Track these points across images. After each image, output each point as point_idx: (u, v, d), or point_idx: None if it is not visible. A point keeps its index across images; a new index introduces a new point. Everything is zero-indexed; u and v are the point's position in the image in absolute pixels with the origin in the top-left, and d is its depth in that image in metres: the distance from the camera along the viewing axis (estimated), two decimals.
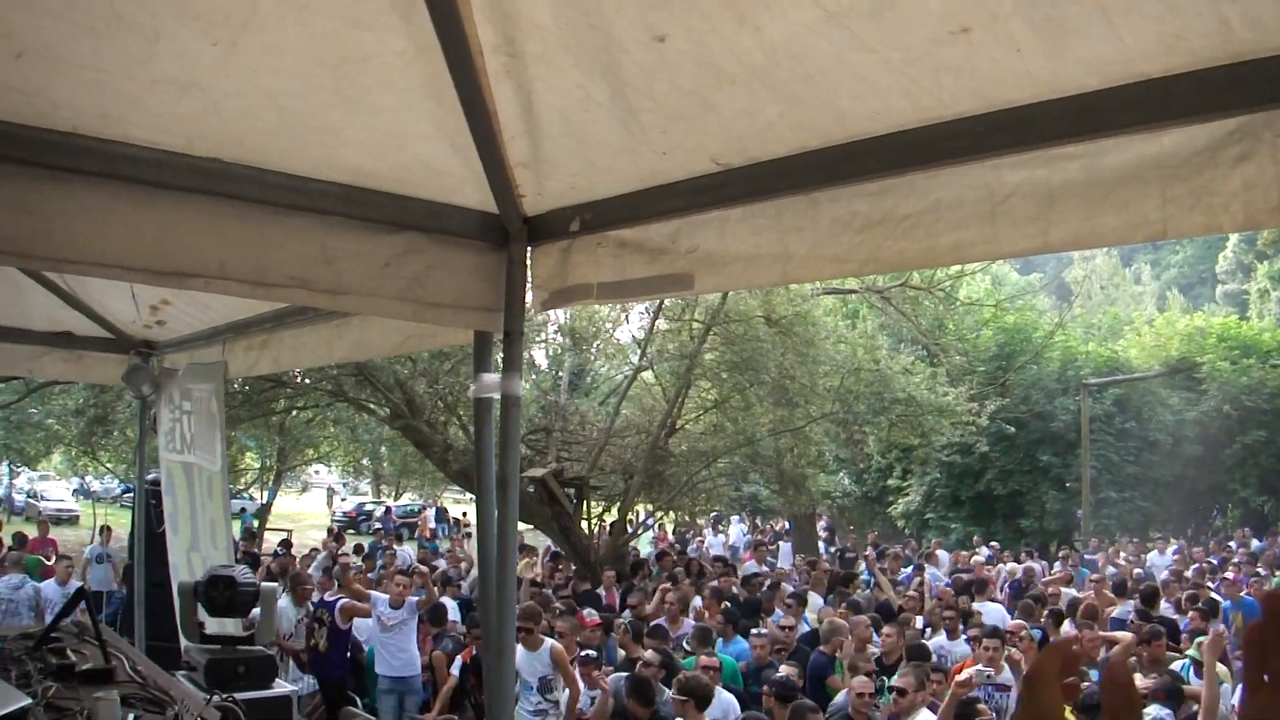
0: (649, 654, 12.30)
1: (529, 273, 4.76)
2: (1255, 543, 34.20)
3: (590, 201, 4.39)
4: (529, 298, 4.86)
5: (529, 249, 4.74)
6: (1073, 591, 20.74)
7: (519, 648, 11.69)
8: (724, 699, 11.12)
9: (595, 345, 29.01)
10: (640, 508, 27.69)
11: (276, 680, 6.80)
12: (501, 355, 5.00)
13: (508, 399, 4.79)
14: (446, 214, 4.62)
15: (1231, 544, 33.71)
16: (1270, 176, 2.93)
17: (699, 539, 37.42)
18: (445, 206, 4.61)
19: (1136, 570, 25.10)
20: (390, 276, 4.55)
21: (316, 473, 62.18)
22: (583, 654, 12.59)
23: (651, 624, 14.87)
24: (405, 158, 4.31)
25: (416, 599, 14.85)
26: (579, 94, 3.68)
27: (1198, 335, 48.44)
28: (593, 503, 25.61)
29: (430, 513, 52.26)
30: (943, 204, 3.39)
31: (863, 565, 23.74)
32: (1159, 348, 48.26)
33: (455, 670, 13.76)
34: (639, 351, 25.88)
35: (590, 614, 15.37)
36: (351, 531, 48.32)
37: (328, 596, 15.62)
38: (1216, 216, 2.99)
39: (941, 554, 28.45)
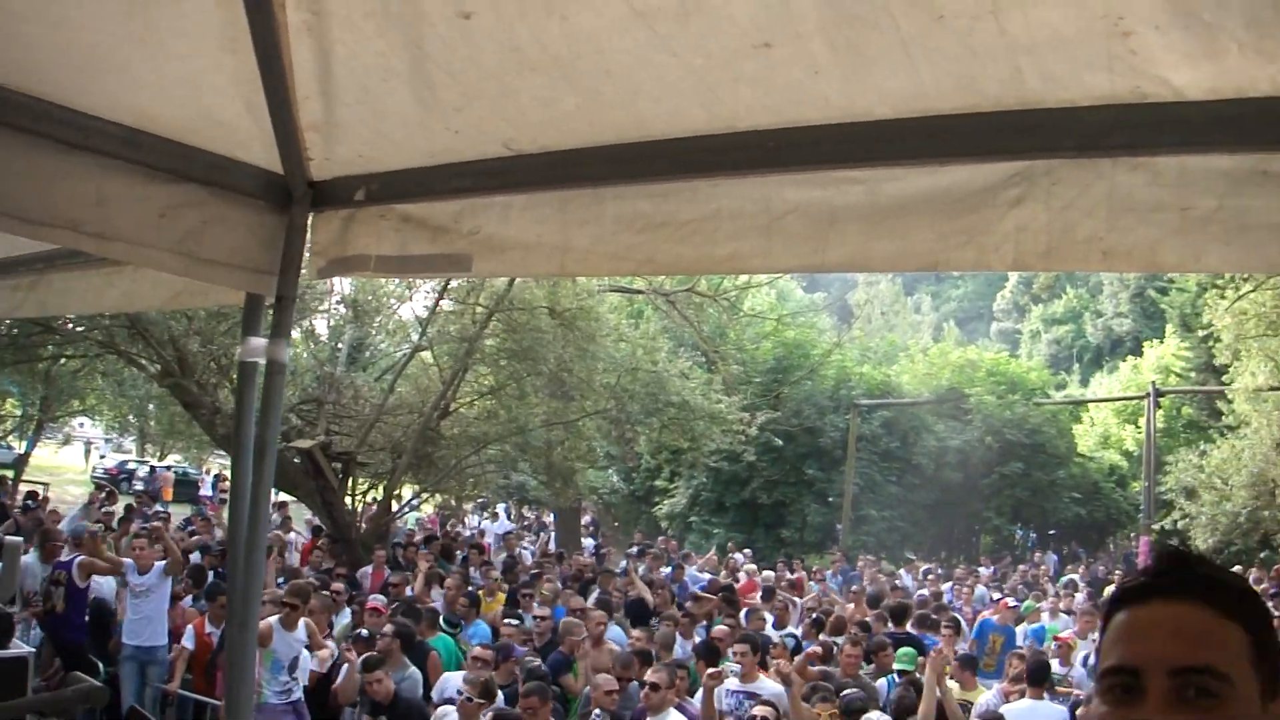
0: (387, 626, 12.26)
1: (309, 238, 4.65)
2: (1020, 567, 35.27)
3: (378, 173, 4.30)
4: (306, 264, 4.73)
5: (311, 214, 4.61)
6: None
7: (277, 626, 11.53)
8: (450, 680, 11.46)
9: (378, 320, 28.70)
10: (407, 489, 27.44)
11: (14, 641, 6.53)
12: (272, 320, 4.87)
13: (273, 365, 4.66)
14: (230, 169, 4.46)
15: (980, 569, 34.81)
16: (1042, 222, 3.04)
17: (459, 524, 37.31)
18: (230, 161, 4.44)
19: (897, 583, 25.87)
20: (165, 228, 4.39)
21: (80, 425, 60.33)
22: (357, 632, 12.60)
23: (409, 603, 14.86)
24: (195, 107, 4.16)
25: (163, 564, 14.33)
26: (379, 62, 3.61)
27: (968, 367, 50.15)
28: (359, 479, 25.31)
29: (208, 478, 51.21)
30: (723, 213, 3.44)
31: (623, 562, 23.97)
32: (930, 376, 49.76)
33: (188, 640, 13.40)
34: (420, 330, 25.60)
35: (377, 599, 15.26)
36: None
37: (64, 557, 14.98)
38: (987, 255, 3.09)
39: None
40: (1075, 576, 31.03)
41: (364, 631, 12.65)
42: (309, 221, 4.63)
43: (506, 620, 14.77)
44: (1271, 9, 2.70)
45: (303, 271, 4.73)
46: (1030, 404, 47.86)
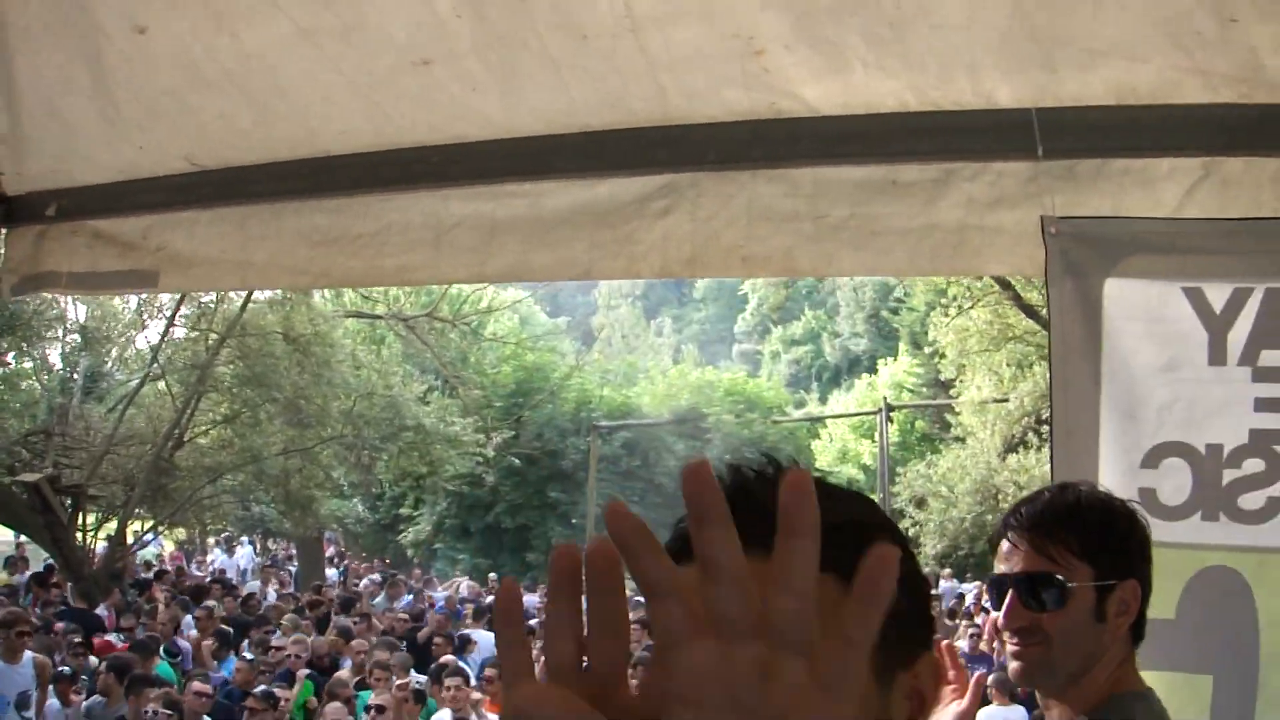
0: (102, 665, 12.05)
1: (1, 255, 4.62)
2: None
3: (69, 188, 4.28)
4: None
5: (4, 230, 4.55)
6: None
7: None
8: None
9: (114, 351, 27.90)
10: (143, 523, 26.69)
11: None
12: None
13: None
14: None
15: None
16: (686, 231, 3.26)
17: (200, 558, 36.42)
18: None
19: None
20: None
21: None
22: (58, 670, 12.19)
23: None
24: None
25: None
26: (60, 75, 3.63)
27: (707, 388, 50.72)
28: (90, 514, 24.51)
29: None
30: (393, 227, 3.56)
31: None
32: (670, 397, 50.20)
33: None
34: (152, 357, 24.97)
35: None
36: None
37: None
38: (636, 263, 3.30)
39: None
40: None
41: (65, 669, 12.35)
42: (2, 238, 4.59)
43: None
44: (889, 28, 2.95)
45: None
46: (768, 422, 48.73)
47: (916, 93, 3.14)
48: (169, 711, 10.20)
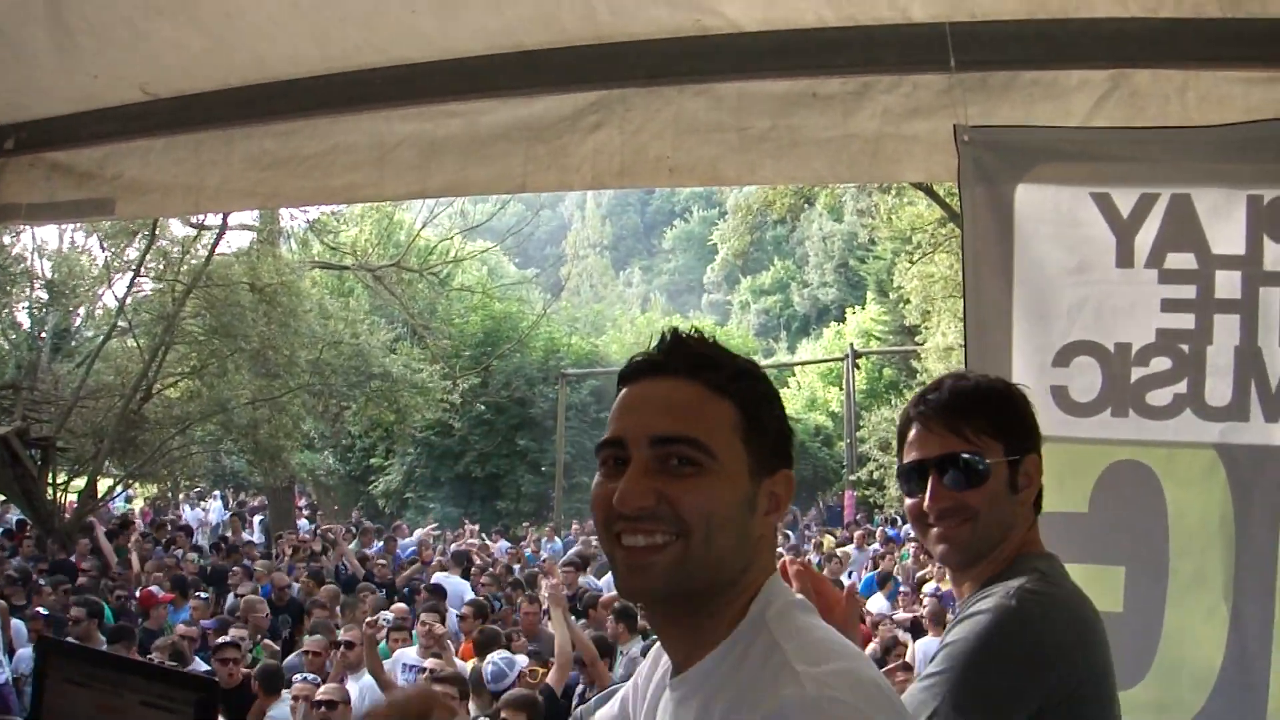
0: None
1: None
2: None
3: (26, 121, 4.39)
4: None
5: None
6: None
7: None
8: None
9: (83, 307, 27.85)
10: (114, 479, 26.69)
11: None
12: None
13: None
14: None
15: None
16: (616, 144, 3.40)
17: (177, 513, 36.41)
18: None
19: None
20: None
21: None
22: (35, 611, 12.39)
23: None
24: None
25: None
26: (14, 5, 3.69)
27: None
28: (59, 467, 24.52)
29: None
30: (339, 148, 3.69)
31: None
32: (638, 345, 49.52)
33: None
34: (118, 310, 24.93)
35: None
36: None
37: None
38: (569, 175, 3.45)
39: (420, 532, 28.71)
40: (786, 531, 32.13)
41: (42, 609, 12.51)
42: None
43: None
44: None
45: None
46: None
47: (835, 8, 3.27)
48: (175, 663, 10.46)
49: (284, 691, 9.93)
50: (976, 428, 2.62)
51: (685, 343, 1.94)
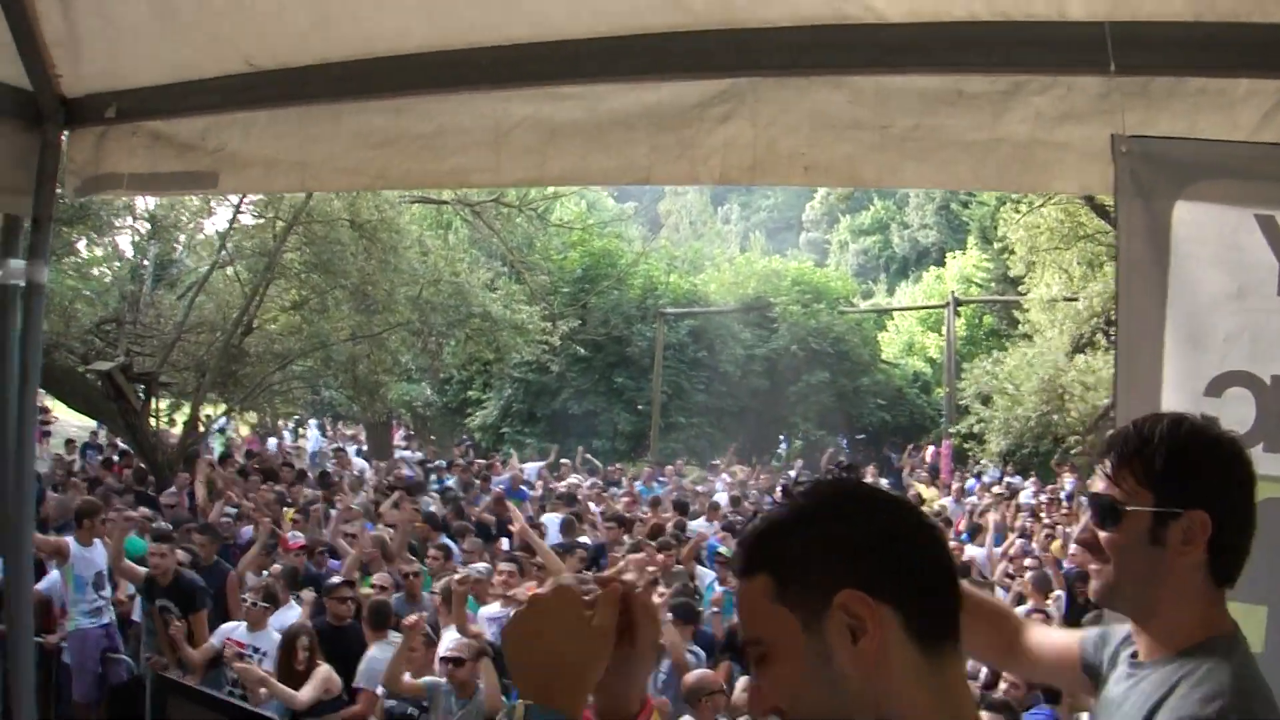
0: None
1: (65, 157, 4.63)
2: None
3: (127, 90, 4.30)
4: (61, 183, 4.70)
5: (66, 132, 4.59)
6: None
7: (74, 544, 11.46)
8: None
9: (182, 238, 28.09)
10: (214, 408, 26.97)
11: None
12: (29, 241, 4.82)
13: (32, 287, 4.65)
14: None
15: (791, 472, 35.34)
16: (748, 138, 3.19)
17: (278, 440, 36.86)
18: None
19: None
20: None
21: None
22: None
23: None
24: None
25: None
26: None
27: (774, 277, 50.40)
28: (163, 400, 24.82)
29: None
30: (450, 129, 3.53)
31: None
32: (737, 285, 49.95)
33: None
34: (220, 245, 25.14)
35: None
36: None
37: None
38: (696, 168, 3.24)
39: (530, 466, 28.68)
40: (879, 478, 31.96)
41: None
42: (63, 139, 4.60)
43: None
44: None
45: (60, 191, 4.71)
46: (835, 313, 48.43)
47: (986, 2, 3.05)
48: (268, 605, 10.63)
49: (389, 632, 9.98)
50: (1129, 470, 2.52)
51: (753, 540, 1.86)
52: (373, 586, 11.34)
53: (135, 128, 4.35)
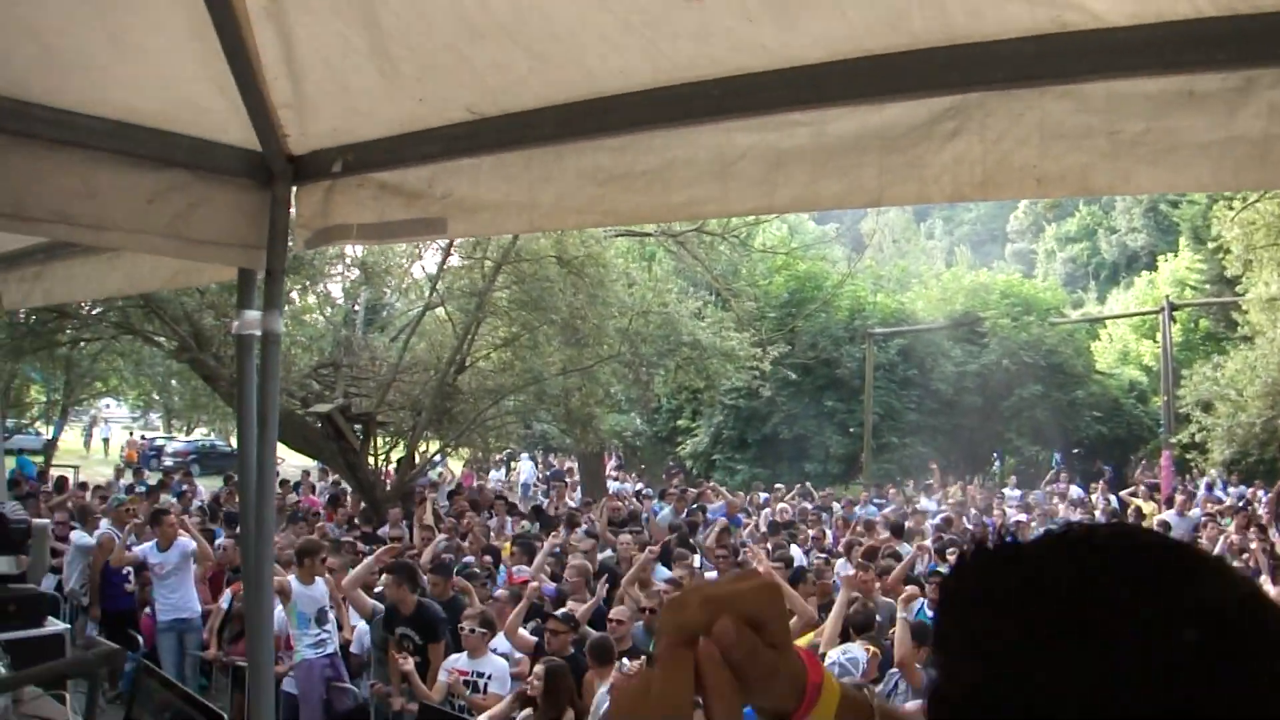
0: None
1: (293, 211, 4.80)
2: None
3: (352, 144, 4.43)
4: (293, 236, 4.88)
5: (294, 188, 4.77)
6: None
7: (295, 583, 11.85)
8: None
9: (391, 281, 28.84)
10: (429, 444, 27.59)
11: (49, 619, 6.73)
12: (264, 292, 5.01)
13: (268, 336, 4.84)
14: (211, 151, 4.61)
15: (1005, 490, 34.74)
16: (977, 154, 3.14)
17: (484, 478, 37.54)
18: (210, 144, 4.60)
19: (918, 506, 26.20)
20: (154, 213, 4.55)
21: (107, 406, 60.57)
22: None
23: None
24: (171, 96, 4.32)
25: (185, 540, 14.46)
26: (339, 40, 3.77)
27: (982, 291, 49.90)
28: (380, 439, 25.51)
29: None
30: (677, 162, 3.54)
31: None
32: (944, 301, 49.55)
33: (224, 602, 13.77)
34: (431, 287, 25.73)
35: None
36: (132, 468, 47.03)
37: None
38: (927, 188, 3.19)
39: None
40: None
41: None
42: (292, 195, 4.78)
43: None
44: None
45: (290, 244, 4.89)
46: (1046, 324, 47.60)
47: None
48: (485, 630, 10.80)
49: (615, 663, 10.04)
50: None
51: None
52: (611, 621, 11.38)
53: (362, 180, 4.47)
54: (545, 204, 3.89)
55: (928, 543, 17.88)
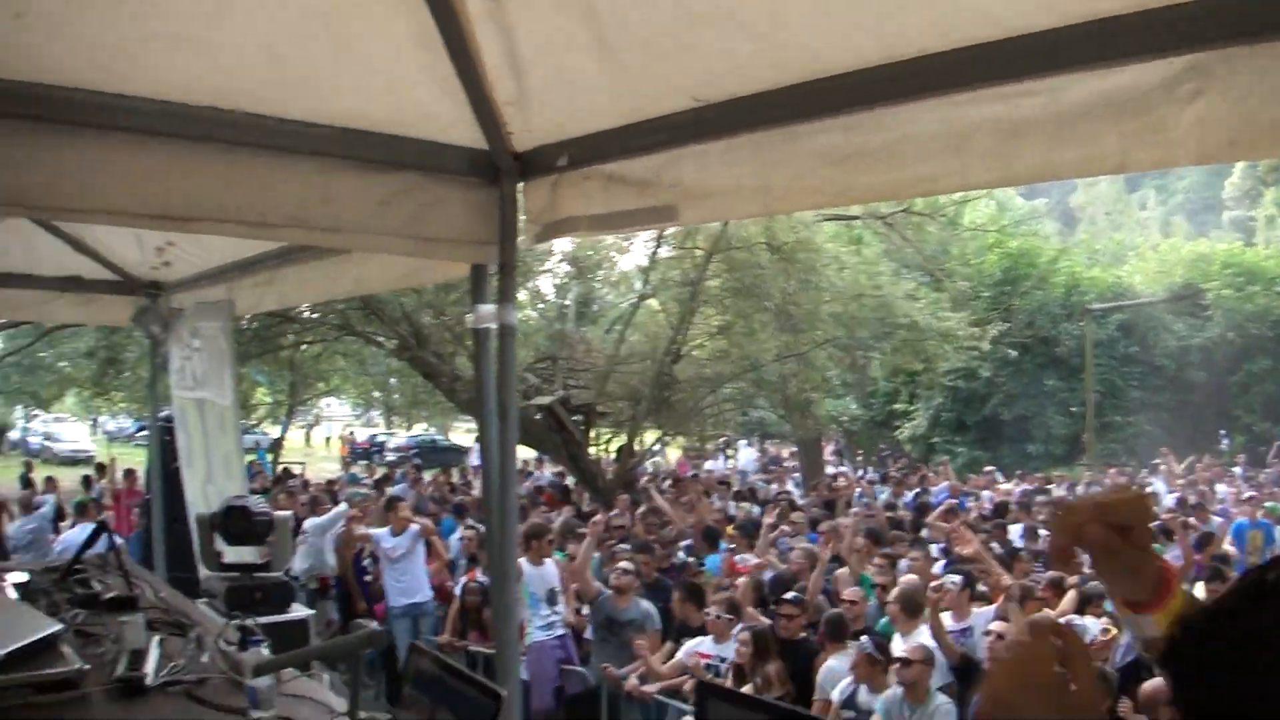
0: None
1: (521, 207, 4.91)
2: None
3: (577, 137, 4.51)
4: (521, 231, 5.01)
5: (520, 184, 4.89)
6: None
7: (526, 564, 12.05)
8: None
9: (600, 274, 29.13)
10: (648, 434, 27.76)
11: (294, 605, 7.03)
12: (497, 287, 5.14)
13: (504, 329, 4.97)
14: (440, 153, 4.77)
15: (1235, 469, 33.49)
16: (1222, 113, 3.02)
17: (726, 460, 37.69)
18: (438, 145, 4.75)
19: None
20: (388, 214, 4.71)
21: (328, 406, 62.48)
22: None
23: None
24: (398, 101, 4.46)
25: (419, 527, 14.90)
26: (560, 35, 3.84)
27: (1202, 262, 48.30)
28: (600, 429, 25.81)
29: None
30: (908, 138, 3.49)
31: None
32: (1163, 274, 48.19)
33: (457, 590, 14.05)
34: (643, 279, 25.89)
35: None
36: (364, 462, 48.48)
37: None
38: (1172, 151, 3.08)
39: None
40: None
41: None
42: (519, 191, 4.91)
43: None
44: None
45: (520, 238, 5.00)
46: (1272, 294, 45.73)
47: None
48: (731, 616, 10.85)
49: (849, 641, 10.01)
50: None
51: None
52: (843, 602, 11.32)
53: (588, 172, 4.53)
54: (779, 186, 3.89)
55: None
